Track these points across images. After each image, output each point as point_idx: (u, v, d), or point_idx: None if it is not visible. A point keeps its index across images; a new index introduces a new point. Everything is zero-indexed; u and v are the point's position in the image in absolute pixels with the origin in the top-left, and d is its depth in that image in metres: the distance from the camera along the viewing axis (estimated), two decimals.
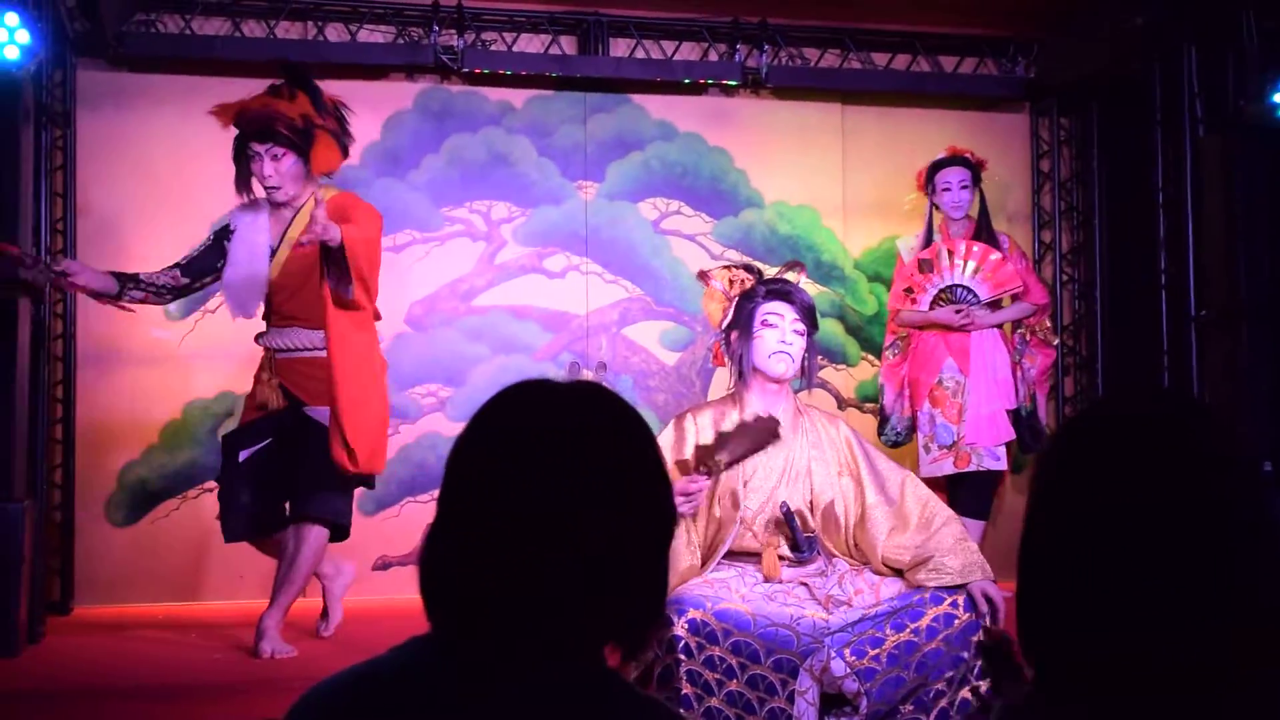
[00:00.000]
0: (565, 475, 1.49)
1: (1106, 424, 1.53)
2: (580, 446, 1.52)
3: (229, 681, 4.86)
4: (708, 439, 4.03)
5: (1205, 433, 1.48)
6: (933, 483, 6.03)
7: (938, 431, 6.51)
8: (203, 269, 5.47)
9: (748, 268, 4.40)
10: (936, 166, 6.74)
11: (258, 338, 5.57)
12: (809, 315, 4.23)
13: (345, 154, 5.54)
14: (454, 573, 1.51)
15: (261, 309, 5.49)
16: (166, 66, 6.96)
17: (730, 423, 4.07)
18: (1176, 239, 6.98)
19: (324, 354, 5.27)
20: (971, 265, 6.51)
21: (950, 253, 6.55)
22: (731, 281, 4.33)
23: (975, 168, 6.75)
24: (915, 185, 6.87)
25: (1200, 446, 1.47)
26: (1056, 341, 7.06)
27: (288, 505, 5.44)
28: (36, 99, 5.89)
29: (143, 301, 5.41)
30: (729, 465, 3.98)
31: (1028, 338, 6.76)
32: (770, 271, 4.43)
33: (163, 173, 6.92)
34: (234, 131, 5.41)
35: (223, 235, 5.50)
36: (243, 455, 5.38)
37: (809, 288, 7.36)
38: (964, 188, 6.68)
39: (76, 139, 6.75)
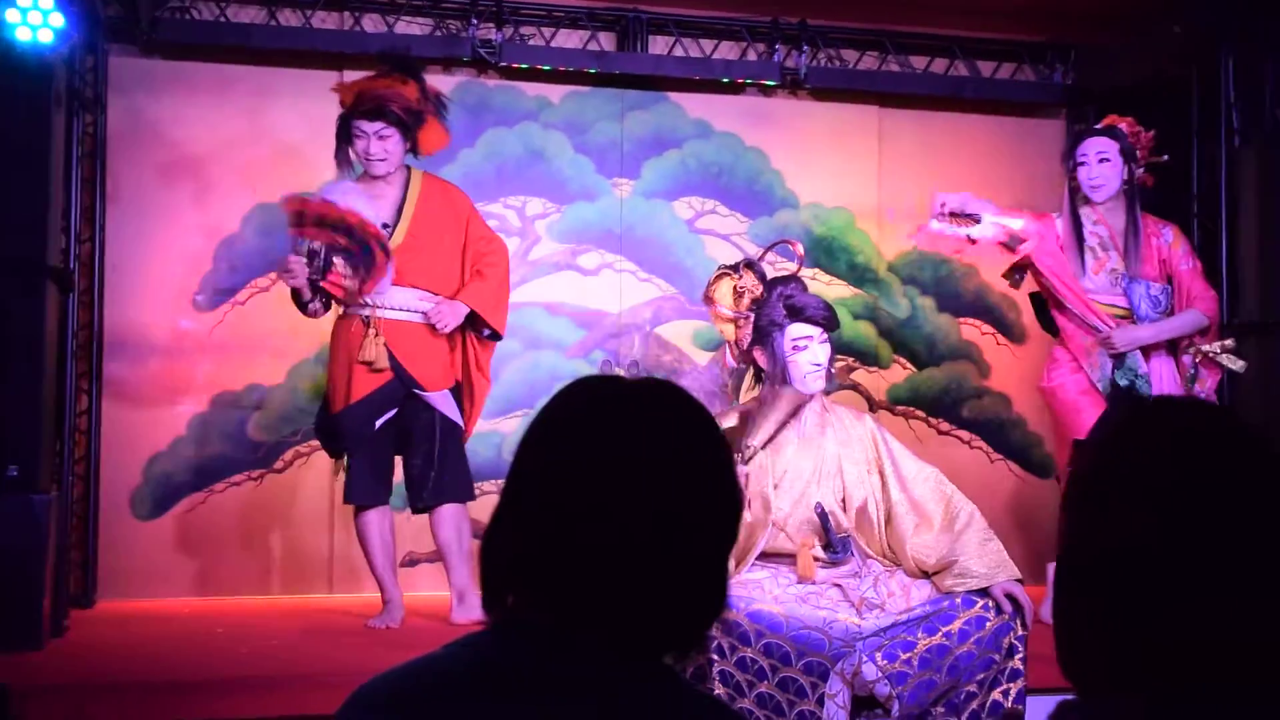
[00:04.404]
0: (631, 470, 1.48)
1: (1140, 434, 1.48)
2: (647, 441, 1.51)
3: (255, 676, 4.82)
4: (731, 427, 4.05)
5: (1243, 440, 1.44)
6: None
7: None
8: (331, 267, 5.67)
9: (748, 265, 4.35)
10: (1078, 138, 5.85)
11: (347, 301, 5.67)
12: (832, 322, 4.22)
13: (449, 136, 5.94)
14: (516, 566, 1.50)
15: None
16: (200, 54, 6.93)
17: (750, 408, 4.08)
18: (1210, 249, 6.89)
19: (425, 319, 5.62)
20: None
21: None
22: (738, 293, 4.29)
23: (1125, 139, 5.71)
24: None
25: (1240, 454, 1.43)
26: (1241, 365, 5.65)
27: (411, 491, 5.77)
28: (68, 84, 5.86)
29: (315, 313, 5.67)
30: (763, 447, 3.99)
31: (1198, 359, 5.64)
32: (778, 264, 4.40)
33: (194, 161, 6.89)
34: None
35: None
36: (378, 423, 5.62)
37: (841, 290, 7.43)
38: (1103, 161, 5.65)
39: (107, 126, 6.72)
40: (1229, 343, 5.65)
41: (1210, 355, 5.59)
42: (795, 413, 4.08)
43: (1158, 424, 1.47)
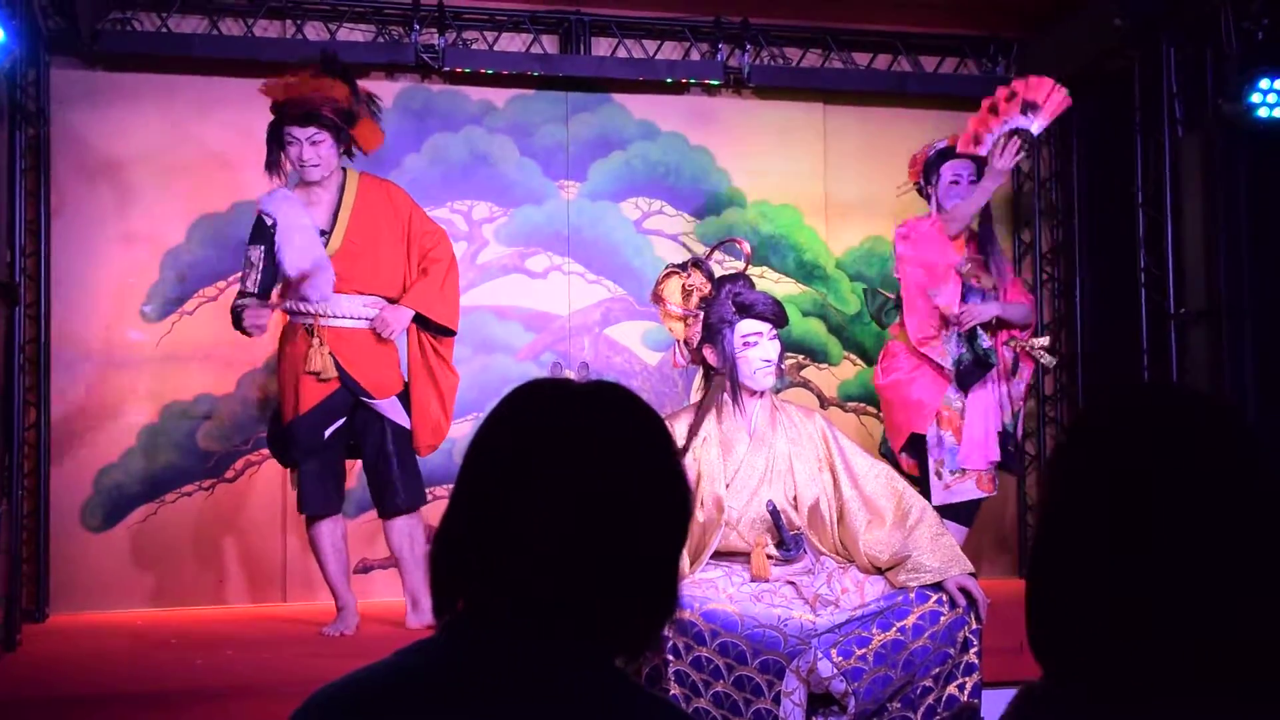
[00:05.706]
0: (582, 472, 1.48)
1: (1123, 418, 1.49)
2: (598, 444, 1.51)
3: (210, 687, 4.80)
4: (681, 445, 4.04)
5: (1233, 427, 1.45)
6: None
7: (947, 456, 5.85)
8: (273, 282, 5.61)
9: (696, 264, 4.35)
10: (943, 156, 6.03)
11: (291, 310, 5.62)
12: (781, 318, 4.23)
13: (383, 133, 5.87)
14: (466, 571, 1.49)
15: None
16: (142, 65, 6.88)
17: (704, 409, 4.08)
18: (1156, 237, 6.98)
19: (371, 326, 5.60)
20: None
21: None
22: (686, 292, 4.29)
23: (982, 161, 5.90)
24: (908, 174, 6.26)
25: (1229, 440, 1.44)
26: (1052, 361, 6.29)
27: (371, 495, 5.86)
28: (10, 97, 5.82)
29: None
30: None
31: (1017, 350, 6.03)
32: (725, 263, 4.41)
33: (138, 172, 6.85)
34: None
35: (263, 235, 5.55)
36: (327, 432, 5.60)
37: (790, 287, 7.46)
38: (953, 183, 5.97)
39: (50, 138, 6.67)
40: (1044, 340, 6.16)
41: (1027, 349, 6.02)
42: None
43: (1141, 413, 1.48)
